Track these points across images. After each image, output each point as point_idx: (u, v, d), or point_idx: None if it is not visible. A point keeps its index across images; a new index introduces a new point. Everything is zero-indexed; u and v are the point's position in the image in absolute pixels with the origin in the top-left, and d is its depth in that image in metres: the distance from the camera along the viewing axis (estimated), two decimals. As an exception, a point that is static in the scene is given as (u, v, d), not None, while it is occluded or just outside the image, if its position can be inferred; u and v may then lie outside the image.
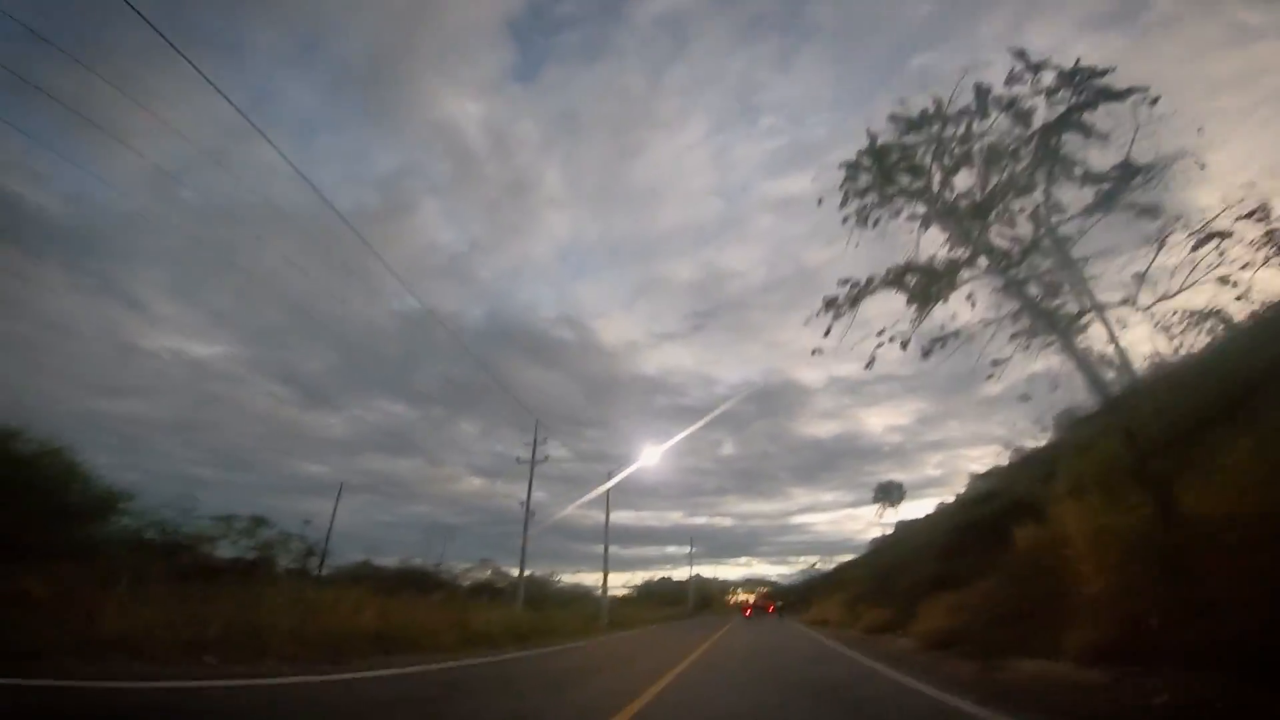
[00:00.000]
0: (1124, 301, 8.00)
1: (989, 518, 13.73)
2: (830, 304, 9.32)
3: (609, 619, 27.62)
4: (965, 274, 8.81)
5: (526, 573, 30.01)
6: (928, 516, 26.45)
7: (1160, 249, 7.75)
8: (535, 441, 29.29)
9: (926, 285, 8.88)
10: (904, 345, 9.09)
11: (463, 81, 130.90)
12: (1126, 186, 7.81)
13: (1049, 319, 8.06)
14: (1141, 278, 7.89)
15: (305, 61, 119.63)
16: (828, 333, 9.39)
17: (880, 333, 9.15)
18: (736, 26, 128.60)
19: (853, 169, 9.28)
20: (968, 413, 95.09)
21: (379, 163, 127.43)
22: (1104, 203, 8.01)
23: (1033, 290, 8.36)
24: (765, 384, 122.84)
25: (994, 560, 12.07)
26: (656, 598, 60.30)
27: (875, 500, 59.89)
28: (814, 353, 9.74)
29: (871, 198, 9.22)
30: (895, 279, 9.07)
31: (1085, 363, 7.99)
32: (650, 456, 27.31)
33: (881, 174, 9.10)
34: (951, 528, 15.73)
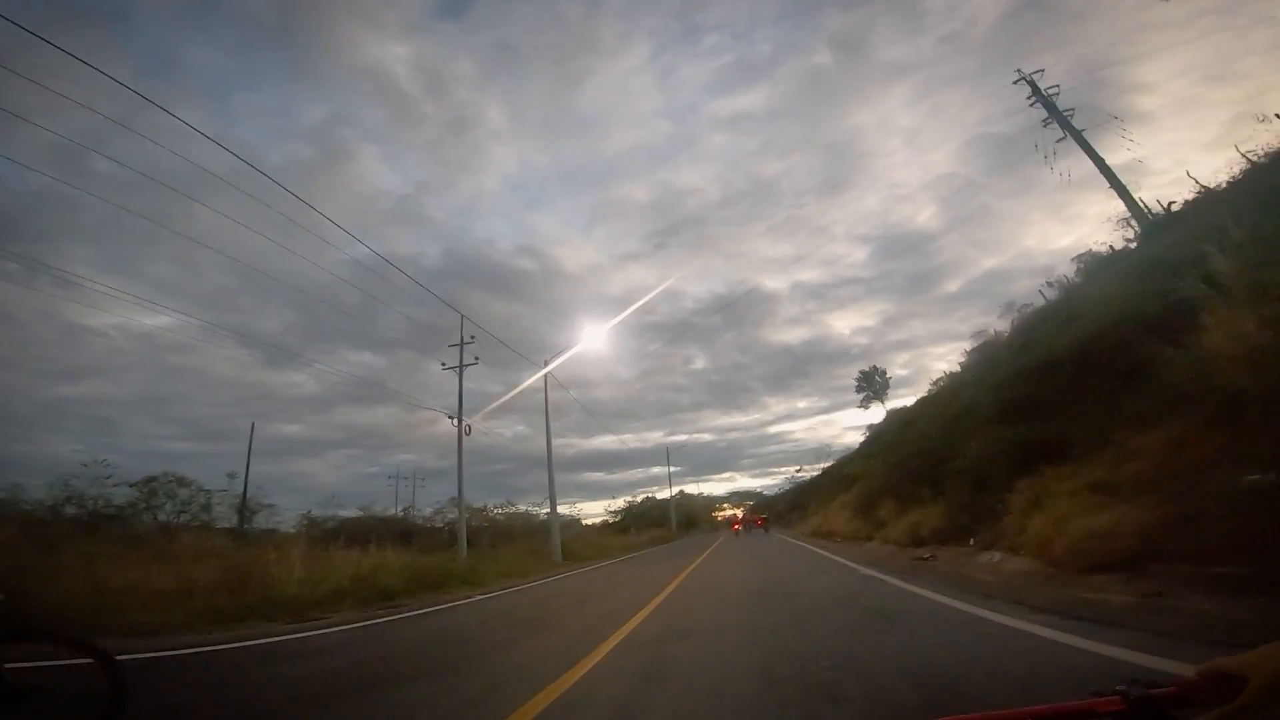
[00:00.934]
0: None
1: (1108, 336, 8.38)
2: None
3: (571, 551, 23.11)
4: None
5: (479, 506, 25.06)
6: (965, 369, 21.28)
7: None
8: (461, 341, 23.70)
9: None
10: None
11: (385, 24, 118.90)
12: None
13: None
14: None
15: (209, 20, 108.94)
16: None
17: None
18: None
19: None
20: (930, 311, 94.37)
21: (306, 115, 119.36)
22: None
23: None
24: (731, 294, 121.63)
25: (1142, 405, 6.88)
26: (643, 520, 57.21)
27: (858, 390, 56.43)
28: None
29: None
30: None
31: None
32: (593, 338, 21.97)
33: None
34: (1026, 369, 10.42)
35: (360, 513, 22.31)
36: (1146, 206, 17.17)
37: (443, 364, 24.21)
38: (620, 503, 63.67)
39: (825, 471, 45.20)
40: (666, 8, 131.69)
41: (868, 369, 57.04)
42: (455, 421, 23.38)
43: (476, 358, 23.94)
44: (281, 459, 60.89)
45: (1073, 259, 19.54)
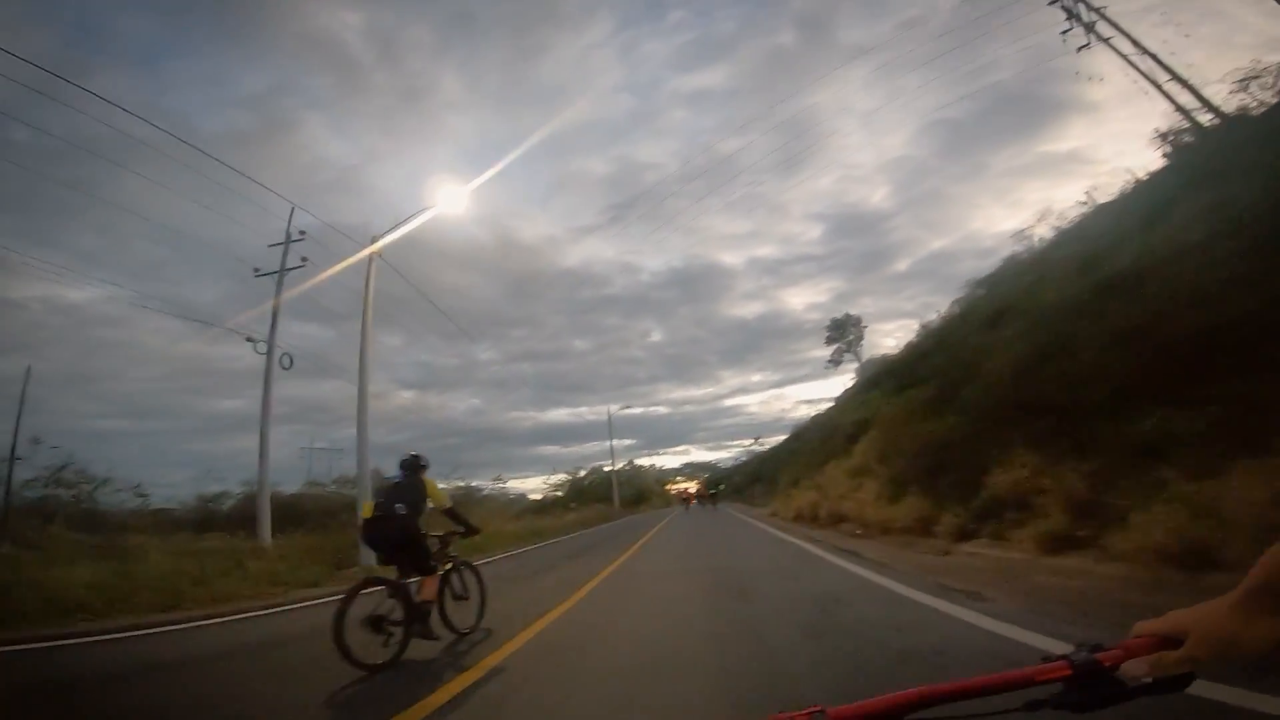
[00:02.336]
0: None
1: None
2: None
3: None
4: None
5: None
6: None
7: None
8: (287, 239, 15.69)
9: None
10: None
11: None
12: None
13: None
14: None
15: None
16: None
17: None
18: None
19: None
20: (880, 289, 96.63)
21: (247, 83, 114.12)
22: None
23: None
24: (688, 268, 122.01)
25: None
26: (588, 496, 50.05)
27: (828, 343, 50.39)
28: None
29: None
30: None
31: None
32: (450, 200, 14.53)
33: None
34: None
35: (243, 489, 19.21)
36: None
37: (256, 270, 16.11)
38: (560, 477, 56.23)
39: (796, 435, 38.82)
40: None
41: (840, 316, 50.50)
42: (257, 347, 15.40)
43: (305, 259, 15.92)
44: (221, 436, 55.40)
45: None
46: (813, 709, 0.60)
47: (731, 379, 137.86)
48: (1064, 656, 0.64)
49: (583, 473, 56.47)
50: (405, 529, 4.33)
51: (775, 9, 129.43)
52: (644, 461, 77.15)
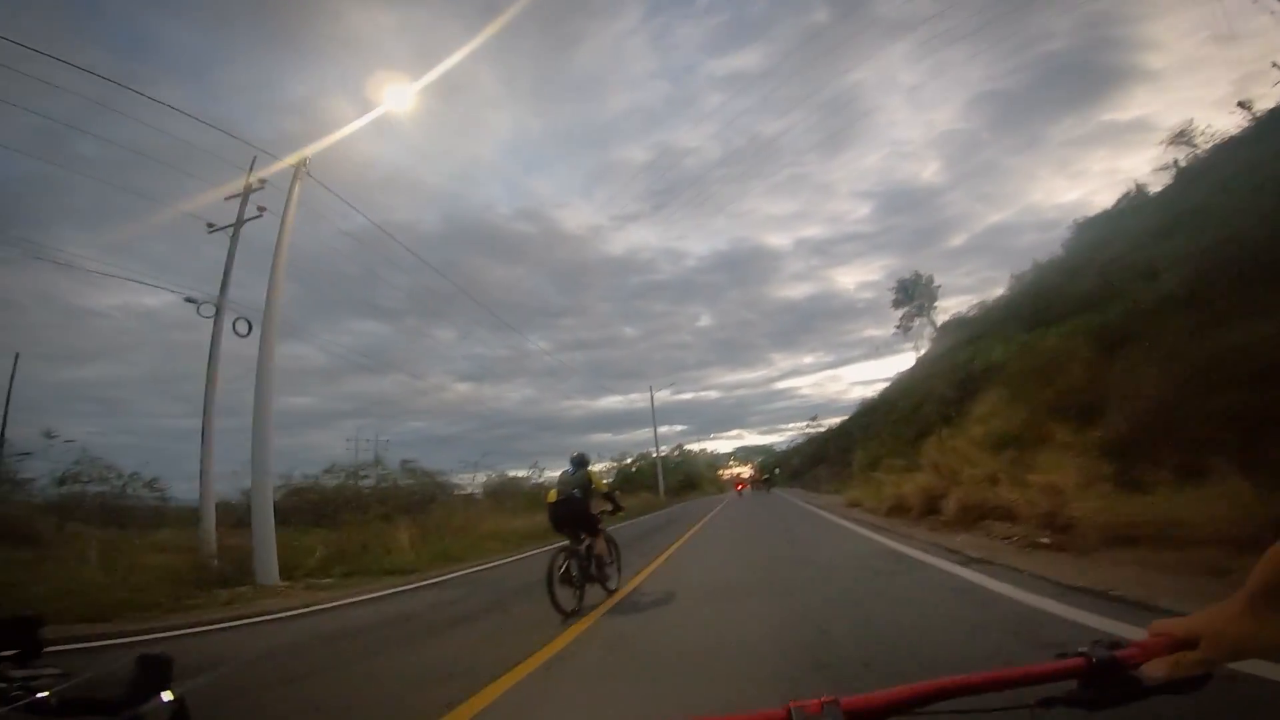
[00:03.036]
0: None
1: None
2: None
3: (433, 545, 12.06)
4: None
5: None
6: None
7: None
8: (246, 191, 12.21)
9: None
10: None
11: None
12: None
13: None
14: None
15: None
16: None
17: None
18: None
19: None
20: (936, 265, 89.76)
21: (293, 88, 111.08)
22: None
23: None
24: (734, 251, 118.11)
25: None
26: (635, 484, 46.04)
27: (895, 305, 43.84)
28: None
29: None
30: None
31: None
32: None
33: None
34: None
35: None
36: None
37: (210, 225, 12.61)
38: (606, 464, 52.39)
39: (868, 410, 33.00)
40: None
41: (908, 276, 43.58)
42: (201, 309, 11.92)
43: (262, 208, 12.33)
44: (293, 431, 56.66)
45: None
46: (826, 699, 0.59)
47: (783, 361, 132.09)
48: (1081, 652, 0.64)
49: (629, 460, 52.44)
50: (580, 508, 5.72)
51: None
52: (694, 446, 72.33)
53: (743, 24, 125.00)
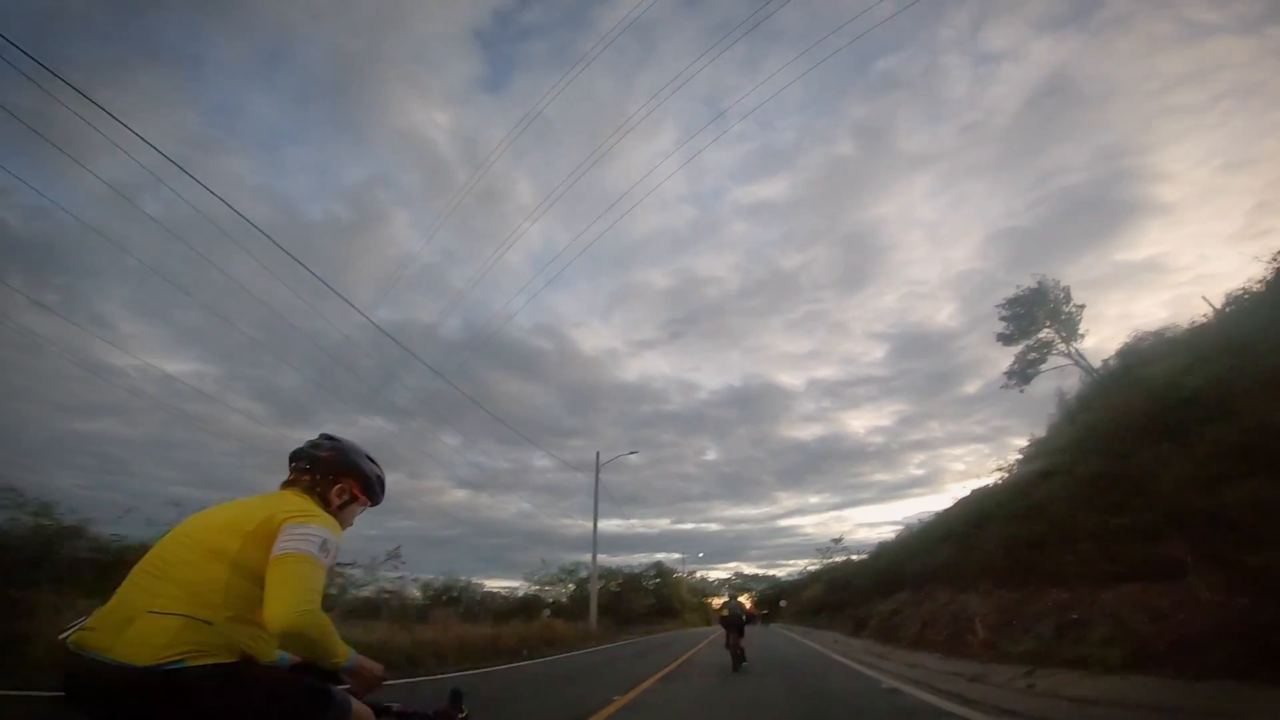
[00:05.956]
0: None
1: None
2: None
3: None
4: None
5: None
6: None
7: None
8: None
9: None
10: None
11: (430, 91, 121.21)
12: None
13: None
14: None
15: (271, 73, 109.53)
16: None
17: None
18: (703, 31, 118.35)
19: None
20: (947, 412, 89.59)
21: (349, 174, 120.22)
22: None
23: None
24: (746, 388, 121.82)
25: None
26: (578, 604, 31.48)
27: (1005, 342, 26.47)
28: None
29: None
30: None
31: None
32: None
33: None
34: None
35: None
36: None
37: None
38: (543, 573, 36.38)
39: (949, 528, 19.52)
40: (696, 90, 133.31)
41: (1024, 291, 25.72)
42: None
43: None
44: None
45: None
46: None
47: (788, 499, 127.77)
48: None
49: (561, 570, 36.77)
50: (741, 617, 11.68)
51: (834, 117, 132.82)
52: (676, 561, 61.66)
53: (771, 152, 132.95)
